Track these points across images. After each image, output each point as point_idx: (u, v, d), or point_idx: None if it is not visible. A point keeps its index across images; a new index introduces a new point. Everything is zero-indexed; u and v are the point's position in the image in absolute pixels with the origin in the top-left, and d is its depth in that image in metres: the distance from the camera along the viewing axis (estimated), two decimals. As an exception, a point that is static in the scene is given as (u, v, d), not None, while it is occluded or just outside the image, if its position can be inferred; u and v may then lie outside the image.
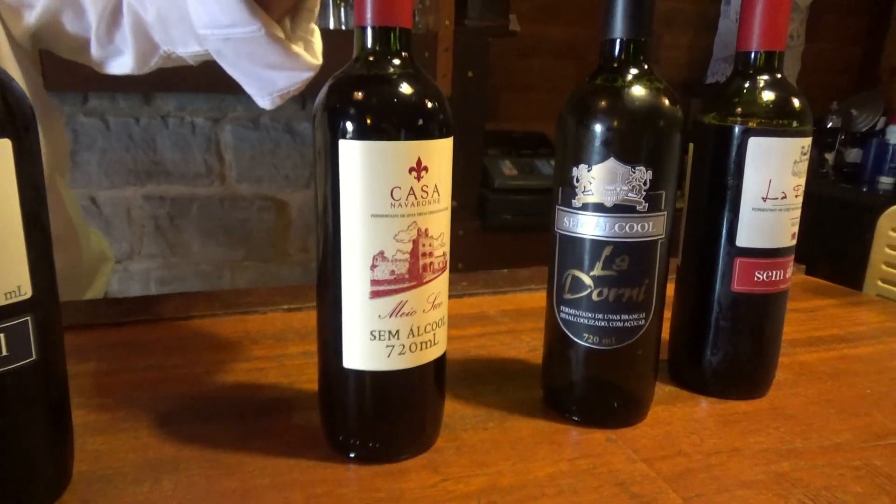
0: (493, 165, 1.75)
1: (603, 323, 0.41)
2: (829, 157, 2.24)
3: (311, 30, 0.55)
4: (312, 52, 0.55)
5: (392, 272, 0.35)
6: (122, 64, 0.64)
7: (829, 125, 2.24)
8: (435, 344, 0.38)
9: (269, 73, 0.54)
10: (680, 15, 2.17)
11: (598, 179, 0.39)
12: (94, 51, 0.63)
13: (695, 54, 2.21)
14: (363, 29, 0.35)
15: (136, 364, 0.51)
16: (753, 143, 0.44)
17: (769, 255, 0.45)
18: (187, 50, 0.60)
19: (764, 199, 0.44)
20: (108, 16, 0.61)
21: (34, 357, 0.32)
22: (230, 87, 0.67)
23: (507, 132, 1.92)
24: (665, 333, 0.47)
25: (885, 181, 2.13)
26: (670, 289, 0.45)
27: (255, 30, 0.48)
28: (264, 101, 0.58)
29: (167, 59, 0.63)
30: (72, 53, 0.66)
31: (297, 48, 0.52)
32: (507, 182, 1.71)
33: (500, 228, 1.70)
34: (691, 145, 0.47)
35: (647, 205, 0.39)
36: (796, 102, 0.44)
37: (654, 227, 0.40)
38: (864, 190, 2.11)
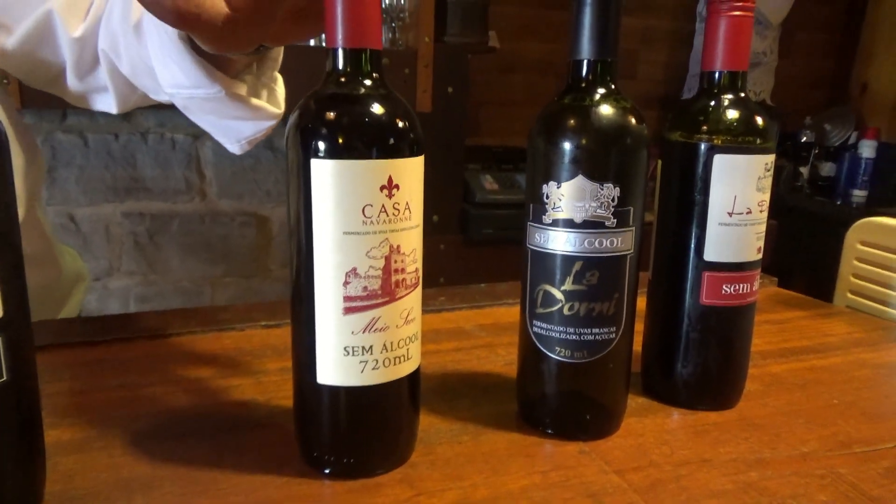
0: (474, 180, 1.76)
1: (574, 337, 0.42)
2: (804, 170, 2.29)
3: (274, 78, 0.56)
4: (275, 101, 0.56)
5: (365, 288, 0.36)
6: (107, 103, 0.65)
7: (804, 139, 2.28)
8: (408, 359, 0.39)
9: (235, 123, 0.56)
10: (656, 32, 2.21)
11: (567, 196, 0.40)
12: (72, 83, 0.64)
13: (671, 71, 2.25)
14: (334, 50, 0.36)
15: (110, 383, 0.50)
16: (719, 159, 0.45)
17: (736, 268, 0.46)
18: (158, 98, 0.62)
19: (730, 214, 0.45)
20: (88, 56, 0.62)
21: (5, 377, 0.32)
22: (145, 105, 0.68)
23: (488, 147, 1.93)
24: (637, 347, 0.48)
25: (858, 194, 2.18)
26: (641, 303, 0.46)
27: (216, 91, 0.50)
28: (233, 147, 0.60)
29: (145, 98, 0.64)
30: (46, 84, 0.67)
31: (259, 102, 0.54)
32: (488, 196, 1.72)
33: (482, 242, 1.71)
34: (659, 162, 0.49)
35: (615, 220, 0.40)
36: (759, 120, 0.46)
37: (622, 243, 0.41)
38: (839, 203, 2.15)
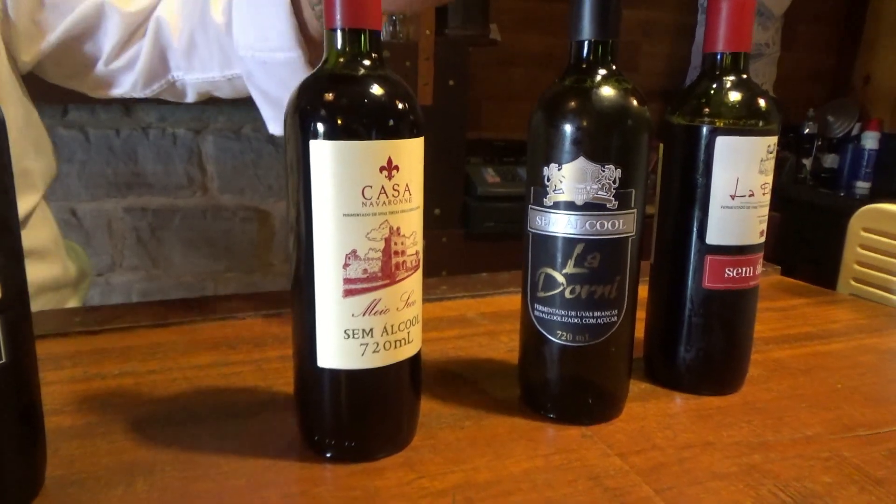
0: (476, 173, 1.76)
1: (576, 320, 0.42)
2: (807, 162, 2.28)
3: None
4: None
5: (365, 271, 0.36)
6: (121, 84, 0.66)
7: (806, 131, 2.28)
8: (409, 342, 0.38)
9: None
10: (658, 24, 2.20)
11: (568, 178, 0.40)
12: (99, 68, 0.65)
13: (673, 63, 2.24)
14: (333, 31, 0.36)
15: (111, 370, 0.50)
16: (721, 142, 0.45)
17: (738, 251, 0.46)
18: (204, 75, 0.63)
19: (732, 198, 0.45)
20: (127, 34, 0.62)
21: (3, 360, 0.32)
22: (211, 99, 0.68)
23: (489, 140, 1.93)
24: (640, 332, 0.48)
25: (861, 186, 2.17)
26: (643, 289, 0.46)
27: (297, 57, 0.51)
28: (276, 129, 0.61)
29: (170, 88, 0.65)
30: (68, 78, 0.67)
31: None
32: (490, 190, 1.72)
33: (484, 236, 1.71)
34: (661, 145, 0.48)
35: (616, 203, 0.40)
36: (762, 102, 0.45)
37: (624, 225, 0.41)
38: (842, 195, 2.14)
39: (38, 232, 0.69)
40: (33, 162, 0.67)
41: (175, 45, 0.62)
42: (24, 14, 0.60)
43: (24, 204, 0.66)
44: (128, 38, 0.63)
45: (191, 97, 0.67)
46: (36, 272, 0.69)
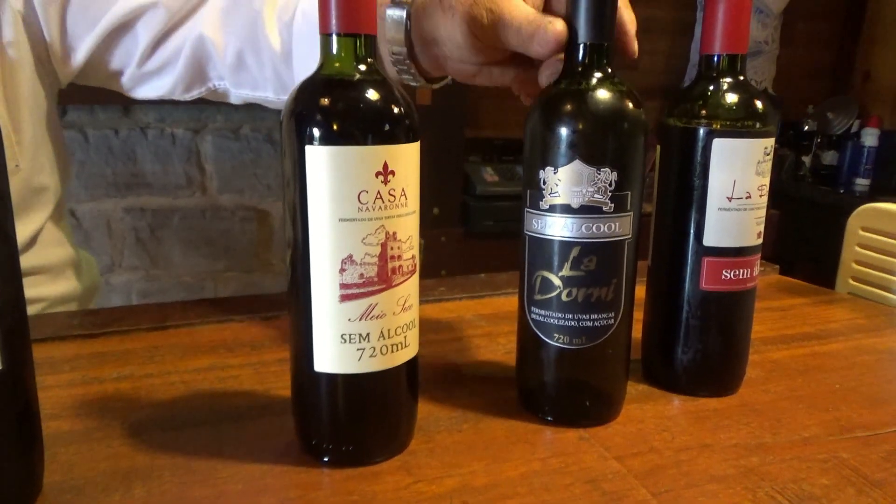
0: (475, 172, 1.76)
1: (573, 323, 0.42)
2: (807, 159, 2.28)
3: None
4: None
5: (361, 276, 0.36)
6: (156, 87, 0.66)
7: (806, 128, 2.27)
8: (406, 346, 0.38)
9: None
10: (657, 22, 2.20)
11: (564, 181, 0.40)
12: (127, 76, 0.65)
13: (672, 61, 2.24)
14: (328, 36, 0.36)
15: (109, 374, 0.50)
16: (717, 144, 0.45)
17: (736, 253, 0.46)
18: (255, 94, 0.62)
19: (729, 199, 0.45)
20: (153, 44, 0.62)
21: (1, 367, 0.32)
22: (210, 99, 0.68)
23: (488, 139, 1.93)
24: (637, 334, 0.48)
25: (860, 183, 2.17)
26: (640, 290, 0.46)
27: None
28: None
29: (211, 93, 0.65)
30: (102, 81, 0.67)
31: None
32: (489, 188, 1.72)
33: (483, 235, 1.71)
34: (658, 147, 0.48)
35: (613, 205, 0.40)
36: (759, 104, 0.45)
37: (620, 228, 0.41)
38: (841, 192, 2.14)
39: (48, 250, 0.69)
40: (48, 178, 0.67)
41: (218, 58, 0.61)
42: (54, 25, 0.60)
43: (35, 220, 0.66)
44: (162, 35, 0.62)
45: (234, 102, 0.67)
46: (45, 290, 0.69)
